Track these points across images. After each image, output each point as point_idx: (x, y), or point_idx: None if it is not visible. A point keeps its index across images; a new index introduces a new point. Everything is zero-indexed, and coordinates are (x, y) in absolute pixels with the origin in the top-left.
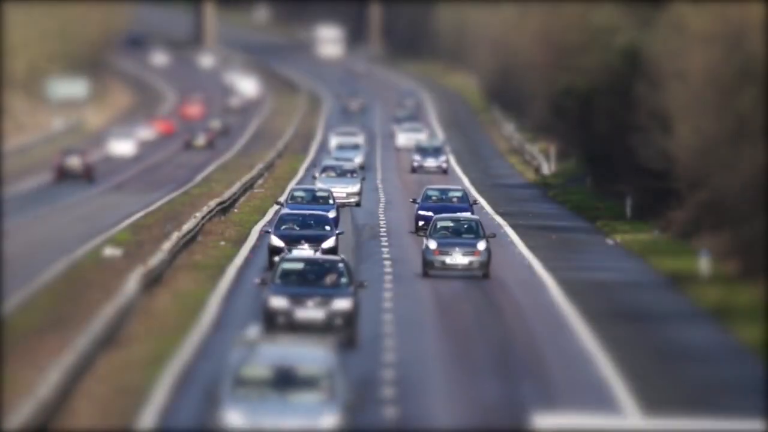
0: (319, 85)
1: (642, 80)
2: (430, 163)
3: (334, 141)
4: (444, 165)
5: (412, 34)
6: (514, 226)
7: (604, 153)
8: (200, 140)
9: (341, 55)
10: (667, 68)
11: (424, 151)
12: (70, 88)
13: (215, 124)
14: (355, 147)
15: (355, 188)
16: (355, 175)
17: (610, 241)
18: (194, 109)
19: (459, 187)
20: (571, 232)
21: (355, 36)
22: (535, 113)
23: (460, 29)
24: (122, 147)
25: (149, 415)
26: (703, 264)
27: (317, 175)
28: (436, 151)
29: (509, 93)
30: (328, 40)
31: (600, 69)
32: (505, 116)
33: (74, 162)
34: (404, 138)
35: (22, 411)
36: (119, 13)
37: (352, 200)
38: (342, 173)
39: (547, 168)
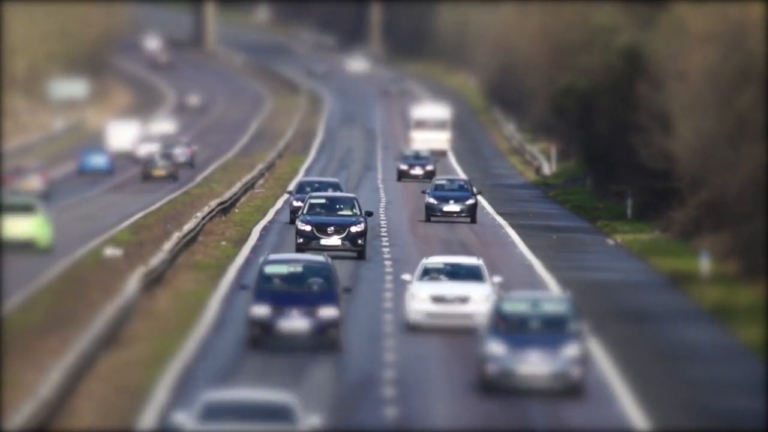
0: (319, 86)
1: (642, 80)
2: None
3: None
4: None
5: (413, 34)
6: (514, 226)
7: (604, 153)
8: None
9: (446, 149)
10: (667, 68)
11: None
12: (71, 88)
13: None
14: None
15: None
16: None
17: (610, 241)
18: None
19: None
20: (571, 232)
21: (355, 36)
22: (536, 113)
23: (461, 29)
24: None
25: (150, 415)
26: (704, 264)
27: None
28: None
29: (510, 93)
30: (429, 124)
31: (600, 69)
32: (506, 116)
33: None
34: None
35: (23, 411)
36: (119, 13)
37: None
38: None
39: (547, 168)
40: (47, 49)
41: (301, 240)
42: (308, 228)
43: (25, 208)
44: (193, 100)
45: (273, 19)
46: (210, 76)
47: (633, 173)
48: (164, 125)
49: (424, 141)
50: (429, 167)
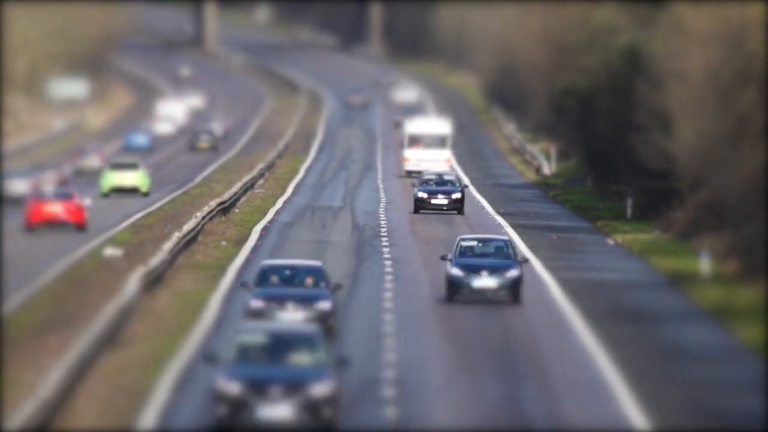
0: (319, 84)
1: (642, 80)
2: None
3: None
4: None
5: (413, 34)
6: (514, 226)
7: (604, 153)
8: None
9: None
10: (667, 68)
11: None
12: (71, 88)
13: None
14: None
15: None
16: None
17: (610, 241)
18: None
19: None
20: (571, 232)
21: (355, 36)
22: (536, 113)
23: (460, 29)
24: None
25: (150, 414)
26: (704, 264)
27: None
28: None
29: (510, 93)
30: (426, 141)
31: (600, 69)
32: (506, 116)
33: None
34: None
35: (23, 410)
36: (120, 14)
37: None
38: None
39: (547, 168)
40: (47, 49)
41: (223, 410)
42: (236, 388)
43: (132, 166)
44: (185, 71)
45: (273, 19)
46: (210, 75)
47: (633, 173)
48: (194, 100)
49: (420, 161)
50: (455, 195)
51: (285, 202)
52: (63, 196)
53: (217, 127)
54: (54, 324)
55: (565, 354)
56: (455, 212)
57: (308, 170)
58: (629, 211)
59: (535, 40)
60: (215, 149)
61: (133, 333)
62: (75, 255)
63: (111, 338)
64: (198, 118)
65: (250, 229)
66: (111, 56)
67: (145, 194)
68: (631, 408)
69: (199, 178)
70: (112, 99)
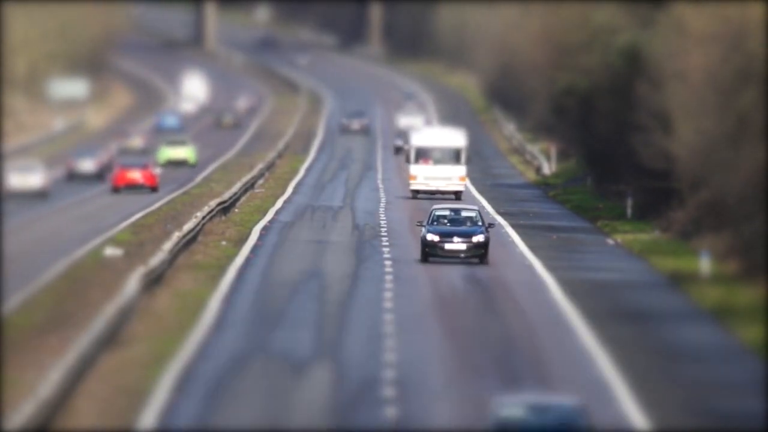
0: (319, 84)
1: (642, 80)
2: None
3: None
4: None
5: (412, 34)
6: (514, 226)
7: (604, 153)
8: None
9: (461, 190)
10: (667, 68)
11: None
12: (71, 88)
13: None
14: None
15: None
16: None
17: (610, 241)
18: None
19: None
20: (571, 232)
21: (355, 37)
22: (536, 113)
23: (460, 29)
24: None
25: (150, 414)
26: (704, 264)
27: None
28: None
29: (510, 93)
30: (436, 155)
31: (600, 69)
32: (506, 116)
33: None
34: None
35: (23, 410)
36: (119, 14)
37: None
38: None
39: (547, 168)
40: (47, 49)
41: None
42: None
43: (182, 142)
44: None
45: (273, 19)
46: (210, 75)
47: (633, 173)
48: (204, 81)
49: (429, 179)
50: (477, 237)
51: (285, 202)
52: (141, 165)
53: (243, 102)
54: (54, 324)
55: (565, 354)
56: (479, 261)
57: (308, 170)
58: (629, 211)
59: (535, 40)
60: (238, 126)
61: (133, 333)
62: (75, 255)
63: (111, 338)
64: (219, 95)
65: (250, 229)
66: (111, 56)
67: (193, 165)
68: (631, 408)
69: (199, 178)
70: (112, 99)
